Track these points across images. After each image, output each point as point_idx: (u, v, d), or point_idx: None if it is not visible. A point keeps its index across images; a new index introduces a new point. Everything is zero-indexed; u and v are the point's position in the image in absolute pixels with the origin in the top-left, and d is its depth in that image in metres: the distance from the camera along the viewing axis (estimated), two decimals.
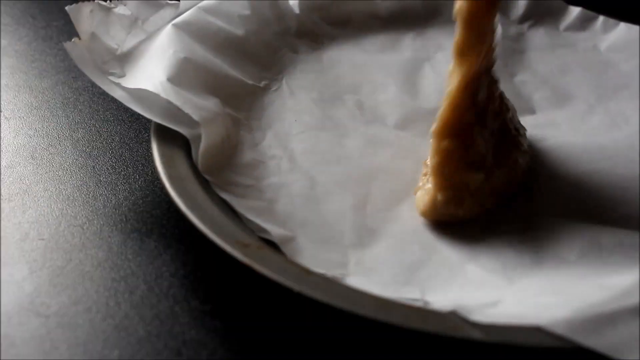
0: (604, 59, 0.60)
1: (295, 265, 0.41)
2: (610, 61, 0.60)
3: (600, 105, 0.56)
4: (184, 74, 0.50)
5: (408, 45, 0.62)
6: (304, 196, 0.47)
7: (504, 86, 0.50)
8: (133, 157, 0.54)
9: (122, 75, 0.50)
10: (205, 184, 0.46)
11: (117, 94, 0.49)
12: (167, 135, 0.48)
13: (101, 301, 0.43)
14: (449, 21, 0.58)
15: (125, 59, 0.52)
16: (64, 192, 0.51)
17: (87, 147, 0.55)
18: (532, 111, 0.56)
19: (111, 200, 0.50)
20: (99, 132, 0.56)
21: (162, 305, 0.43)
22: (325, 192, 0.47)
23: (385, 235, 0.45)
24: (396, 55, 0.60)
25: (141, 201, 0.50)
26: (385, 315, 0.38)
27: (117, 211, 0.49)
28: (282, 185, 0.48)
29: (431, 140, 0.46)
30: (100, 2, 0.53)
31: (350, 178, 0.49)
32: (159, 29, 0.54)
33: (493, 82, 0.48)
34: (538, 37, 0.63)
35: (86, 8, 0.52)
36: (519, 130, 0.50)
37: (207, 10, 0.56)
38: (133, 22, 0.53)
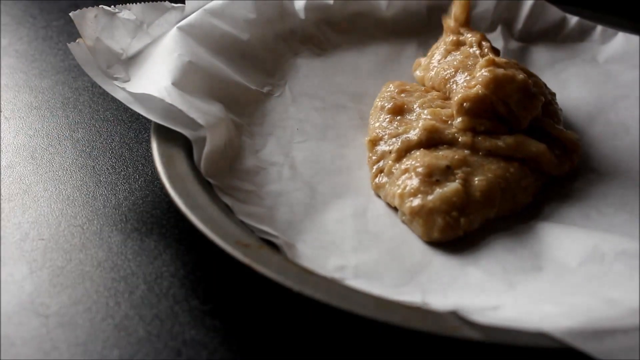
0: (603, 70, 0.60)
1: (295, 265, 0.41)
2: (610, 72, 0.60)
3: (600, 116, 0.56)
4: (189, 78, 0.50)
5: (412, 54, 0.61)
6: (304, 205, 0.47)
7: None
8: (133, 157, 0.54)
9: (126, 80, 0.50)
10: (205, 184, 0.46)
11: (120, 95, 0.49)
12: (167, 135, 0.48)
13: (101, 301, 0.43)
14: None
15: (130, 63, 0.52)
16: (64, 192, 0.51)
17: (87, 147, 0.55)
18: None
19: (111, 200, 0.50)
20: (99, 132, 0.56)
21: (162, 305, 0.43)
22: (325, 202, 0.47)
23: (385, 239, 0.45)
24: (399, 64, 0.60)
25: (141, 201, 0.50)
26: (385, 315, 0.38)
27: (117, 211, 0.49)
28: (282, 193, 0.48)
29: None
30: (104, 6, 0.52)
31: (350, 188, 0.49)
32: (164, 33, 0.54)
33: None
34: (538, 51, 0.62)
35: (90, 13, 0.51)
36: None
37: (213, 13, 0.56)
38: (138, 27, 0.53)
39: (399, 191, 0.46)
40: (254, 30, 0.58)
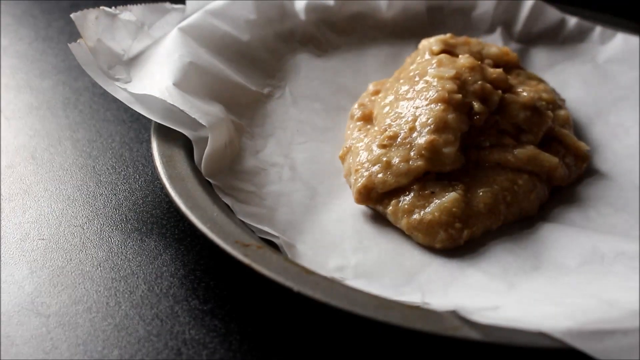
0: (602, 71, 0.60)
1: (295, 265, 0.41)
2: (609, 73, 0.60)
3: (600, 117, 0.56)
4: (190, 78, 0.50)
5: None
6: (304, 205, 0.47)
7: None
8: (133, 157, 0.54)
9: (128, 81, 0.50)
10: (206, 184, 0.46)
11: (121, 96, 0.49)
12: (167, 136, 0.48)
13: (101, 301, 0.43)
14: (453, 33, 0.58)
15: (131, 64, 0.52)
16: (64, 192, 0.51)
17: (87, 147, 0.55)
18: None
19: (111, 200, 0.50)
20: (99, 132, 0.56)
21: (162, 305, 0.43)
22: (325, 202, 0.48)
23: (386, 239, 0.45)
24: (399, 65, 0.60)
25: (141, 201, 0.50)
26: (385, 315, 0.38)
27: (117, 211, 0.49)
28: (282, 193, 0.48)
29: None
30: (105, 8, 0.52)
31: (350, 189, 0.49)
32: (165, 34, 0.54)
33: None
34: (537, 52, 0.62)
35: (91, 15, 0.51)
36: None
37: (214, 13, 0.56)
38: (139, 28, 0.53)
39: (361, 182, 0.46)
40: (254, 31, 0.58)
